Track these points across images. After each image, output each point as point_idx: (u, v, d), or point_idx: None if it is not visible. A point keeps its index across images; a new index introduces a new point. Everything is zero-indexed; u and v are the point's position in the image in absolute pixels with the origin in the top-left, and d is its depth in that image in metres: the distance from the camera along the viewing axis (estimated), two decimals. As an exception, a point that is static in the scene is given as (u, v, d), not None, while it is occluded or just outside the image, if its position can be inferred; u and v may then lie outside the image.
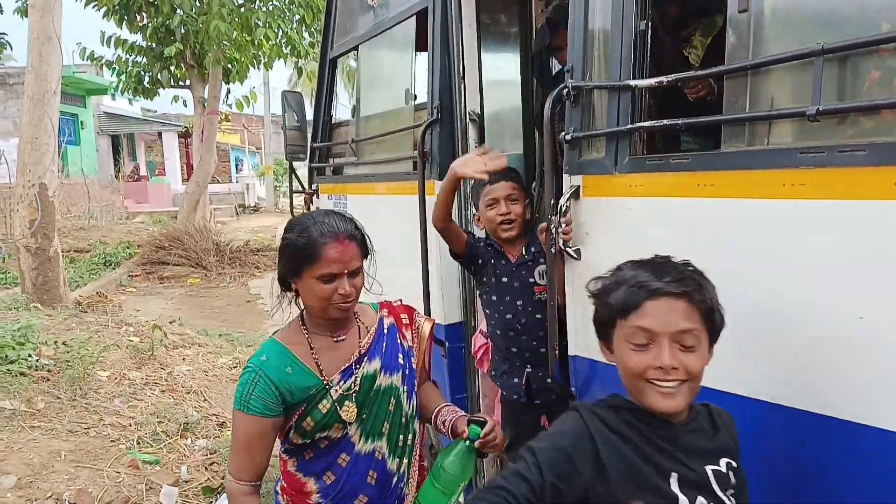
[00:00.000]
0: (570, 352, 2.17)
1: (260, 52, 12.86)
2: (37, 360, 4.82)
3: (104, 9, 11.83)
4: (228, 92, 14.47)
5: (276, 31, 12.11)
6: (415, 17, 3.02)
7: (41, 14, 6.91)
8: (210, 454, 4.31)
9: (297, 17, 12.45)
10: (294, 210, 4.37)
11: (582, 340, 2.13)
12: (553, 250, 2.08)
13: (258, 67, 13.70)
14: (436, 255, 2.83)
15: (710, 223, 1.65)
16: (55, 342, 5.29)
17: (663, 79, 1.74)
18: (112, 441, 4.21)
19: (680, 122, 1.67)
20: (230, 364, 6.50)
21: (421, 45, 3.01)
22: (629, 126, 1.81)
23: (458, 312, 2.90)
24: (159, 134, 27.93)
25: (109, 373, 5.19)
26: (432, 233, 2.80)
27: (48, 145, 7.02)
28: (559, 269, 2.15)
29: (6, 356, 4.66)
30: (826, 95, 1.40)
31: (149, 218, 18.68)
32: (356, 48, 3.57)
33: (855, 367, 1.38)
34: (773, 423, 1.57)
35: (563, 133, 2.03)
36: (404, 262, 3.05)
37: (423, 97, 3.16)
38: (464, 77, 2.72)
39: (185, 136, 26.68)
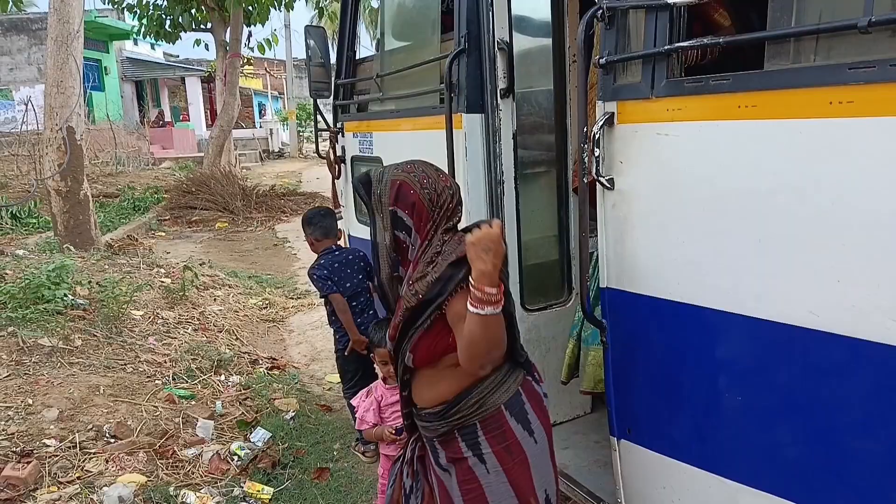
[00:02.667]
0: (602, 283, 2.15)
1: (281, -8, 12.64)
2: (72, 300, 4.93)
3: (124, -49, 11.67)
4: (250, 35, 14.31)
5: (296, -31, 11.87)
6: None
7: (61, -47, 6.83)
8: (243, 390, 4.42)
9: (319, -46, 12.19)
10: (320, 148, 4.34)
11: (614, 272, 2.11)
12: (585, 180, 2.04)
13: (279, 8, 13.47)
14: (463, 190, 2.79)
15: (752, 146, 1.60)
16: (89, 282, 5.39)
17: (704, -5, 1.66)
18: (148, 377, 4.32)
19: (721, 39, 1.60)
20: (260, 305, 6.61)
21: (447, -26, 2.92)
22: (667, 47, 1.74)
23: (487, 247, 2.88)
24: (182, 79, 27.84)
25: (143, 312, 5.30)
26: (460, 168, 2.77)
27: (73, 88, 7.02)
28: (590, 200, 2.12)
29: (42, 296, 4.77)
30: (878, 5, 1.33)
31: (174, 163, 18.76)
32: (381, -21, 3.48)
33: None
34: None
35: (598, 57, 1.96)
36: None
37: (449, 28, 3.08)
38: (492, 4, 2.64)
39: (207, 81, 26.56)
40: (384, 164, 3.57)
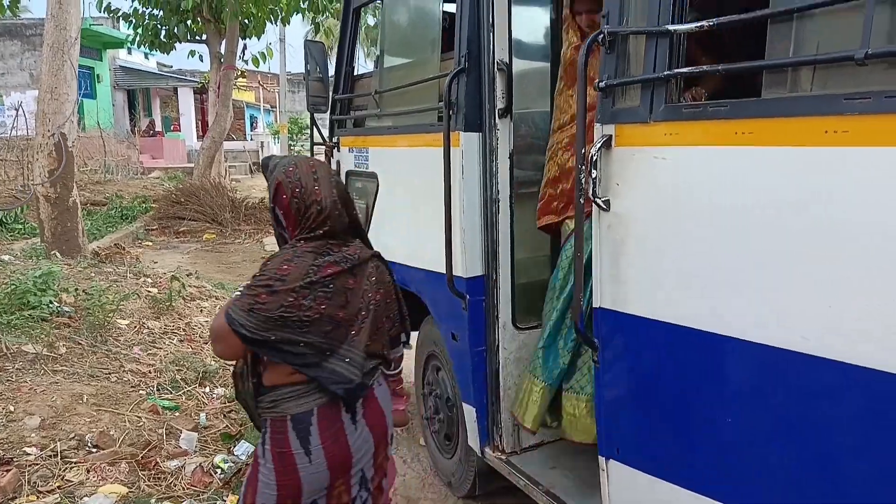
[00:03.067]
0: (595, 303, 2.17)
1: (278, 7, 12.68)
2: (58, 307, 4.88)
3: (121, -40, 11.71)
4: (245, 47, 14.35)
5: (294, -16, 11.96)
6: (443, -36, 2.96)
7: (60, -39, 6.85)
8: (228, 402, 4.37)
9: (316, -30, 12.27)
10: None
11: (607, 292, 2.12)
12: (581, 200, 2.06)
13: (275, 23, 13.54)
14: (458, 207, 2.82)
15: (748, 172, 1.62)
16: (75, 290, 5.34)
17: (704, 23, 1.70)
18: (132, 387, 4.28)
19: (720, 67, 1.63)
20: (246, 317, 6.55)
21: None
22: (667, 72, 1.77)
23: (480, 266, 2.89)
24: (175, 90, 27.82)
25: (129, 321, 5.25)
26: (456, 185, 2.79)
27: (68, 95, 7.00)
28: (587, 220, 2.14)
29: (28, 302, 4.72)
30: (875, 38, 1.36)
31: (164, 173, 18.70)
32: (381, -3, 3.52)
33: None
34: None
35: (597, 80, 1.99)
36: (426, 215, 3.04)
37: (449, 47, 3.11)
38: (493, 26, 2.67)
39: (200, 92, 26.56)
40: (378, 180, 3.62)
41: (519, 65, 2.88)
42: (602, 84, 1.98)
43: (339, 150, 4.05)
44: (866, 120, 1.37)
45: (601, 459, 2.25)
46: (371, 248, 2.10)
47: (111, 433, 3.64)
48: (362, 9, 3.89)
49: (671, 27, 1.76)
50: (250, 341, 1.83)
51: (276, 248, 2.04)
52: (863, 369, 1.43)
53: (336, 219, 1.94)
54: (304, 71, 4.11)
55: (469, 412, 3.08)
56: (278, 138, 29.67)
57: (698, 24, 1.70)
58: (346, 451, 1.97)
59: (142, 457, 3.50)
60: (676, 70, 1.77)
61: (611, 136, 1.99)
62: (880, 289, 1.40)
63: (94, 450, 3.49)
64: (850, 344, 1.46)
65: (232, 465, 3.53)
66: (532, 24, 3.09)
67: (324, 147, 4.18)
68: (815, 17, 1.52)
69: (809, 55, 1.50)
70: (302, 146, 26.51)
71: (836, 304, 1.49)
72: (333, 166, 4.10)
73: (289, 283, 1.81)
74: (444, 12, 3.10)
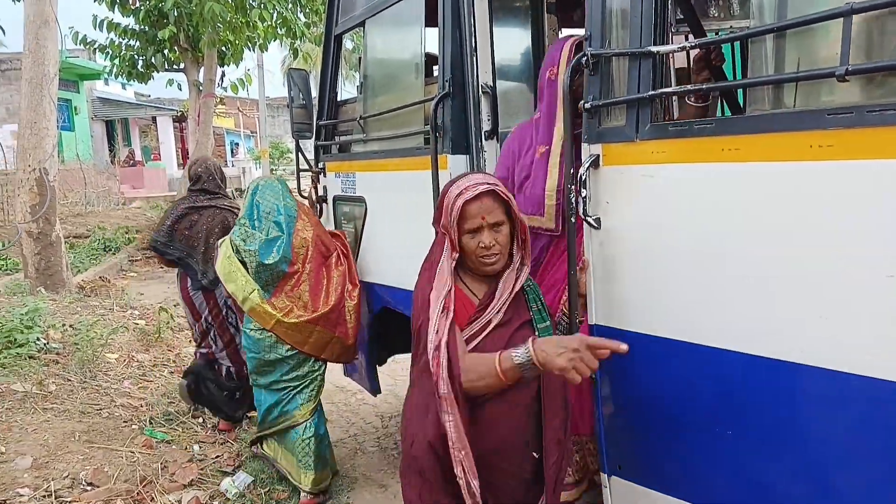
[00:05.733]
0: (590, 321, 2.18)
1: (255, 34, 12.72)
2: (45, 344, 4.84)
3: (96, -9, 11.68)
4: (223, 75, 14.34)
5: (271, 11, 11.98)
6: (424, -10, 2.99)
7: (37, -3, 6.84)
8: (221, 433, 4.34)
9: (293, -3, 12.34)
10: (301, 189, 4.36)
11: (601, 309, 2.14)
12: (572, 220, 2.09)
13: (253, 49, 13.57)
14: (449, 229, 2.83)
15: (735, 187, 1.66)
16: (62, 325, 5.30)
17: (686, 44, 1.74)
18: (124, 422, 4.24)
19: (704, 86, 1.67)
20: (236, 346, 6.52)
21: (430, 20, 3.00)
22: (651, 93, 1.81)
23: (472, 286, 2.90)
24: (154, 119, 27.73)
25: (118, 355, 5.22)
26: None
27: (48, 129, 6.97)
28: (577, 239, 2.16)
29: (15, 339, 4.68)
30: (854, 55, 1.40)
31: (145, 203, 18.56)
32: (363, 23, 3.55)
33: (887, 325, 1.40)
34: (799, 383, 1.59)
35: (582, 101, 2.03)
36: (416, 237, 3.05)
37: (433, 72, 3.15)
38: (476, 50, 2.71)
39: (179, 120, 26.50)
40: (367, 204, 3.63)
41: (503, 85, 2.91)
42: (588, 105, 2.01)
43: (325, 176, 4.06)
44: (850, 133, 1.41)
45: (603, 476, 2.26)
46: None
47: (105, 470, 3.61)
48: (343, 35, 3.93)
49: (654, 48, 1.80)
50: None
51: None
52: (865, 378, 1.45)
53: None
54: (286, 97, 4.13)
55: (467, 433, 3.07)
56: (260, 163, 29.66)
57: (680, 46, 1.74)
58: None
59: (137, 493, 3.46)
60: (661, 90, 1.80)
61: (598, 155, 2.02)
62: (871, 298, 1.43)
63: (89, 488, 3.45)
64: (846, 354, 1.48)
65: (236, 491, 3.50)
66: (514, 45, 3.13)
67: (310, 173, 4.19)
68: (795, 35, 1.56)
69: (792, 73, 1.54)
70: (284, 170, 26.47)
71: (829, 315, 1.51)
72: (320, 192, 4.11)
73: None
74: (425, 37, 3.14)
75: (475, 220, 1.90)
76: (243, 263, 3.33)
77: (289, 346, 3.31)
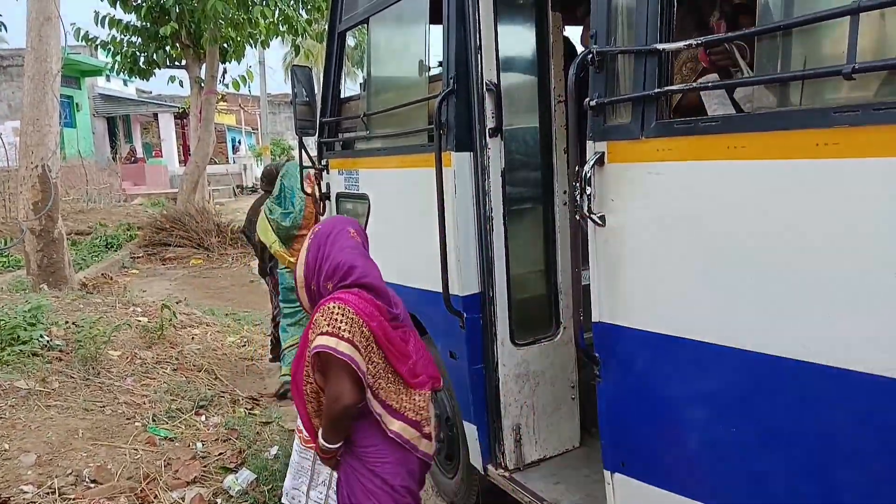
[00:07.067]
0: (594, 318, 2.19)
1: (257, 31, 12.72)
2: (48, 341, 4.84)
3: (98, -12, 11.69)
4: (225, 71, 14.35)
5: (272, 8, 11.99)
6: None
7: (39, -7, 6.84)
8: (225, 430, 4.34)
9: (294, -6, 12.34)
10: (304, 187, 4.36)
11: (606, 307, 2.15)
12: (577, 217, 2.09)
13: (255, 46, 13.57)
14: (452, 226, 2.83)
15: (740, 184, 1.66)
16: (65, 323, 5.30)
17: (692, 41, 1.73)
18: (128, 419, 4.24)
19: (710, 83, 1.67)
20: (239, 343, 6.53)
21: (434, 17, 2.99)
22: (657, 90, 1.80)
23: (476, 284, 2.91)
24: (155, 115, 27.73)
25: (121, 352, 5.22)
26: (449, 204, 2.81)
27: (50, 126, 6.97)
28: (582, 237, 2.16)
29: (18, 336, 4.68)
30: (861, 53, 1.40)
31: (147, 200, 18.59)
32: (366, 20, 3.54)
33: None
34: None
35: (588, 99, 2.02)
36: (420, 234, 3.06)
37: (436, 69, 3.14)
38: (480, 47, 2.71)
39: (180, 117, 26.50)
40: (370, 201, 3.63)
41: (507, 82, 2.91)
42: (593, 102, 2.01)
43: (328, 173, 4.06)
44: (856, 132, 1.41)
45: (606, 473, 2.26)
46: None
47: (109, 467, 3.61)
48: (347, 32, 3.92)
49: (659, 46, 1.80)
50: None
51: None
52: (873, 377, 1.45)
53: None
54: (288, 93, 4.14)
55: (470, 431, 3.08)
56: (261, 160, 29.67)
57: (686, 43, 1.74)
58: None
59: (141, 490, 3.47)
60: (667, 87, 1.80)
61: (603, 153, 2.02)
62: (878, 296, 1.43)
63: (93, 485, 3.45)
64: (853, 353, 1.48)
65: (241, 488, 3.51)
66: (518, 42, 3.12)
67: (313, 170, 4.19)
68: (801, 33, 1.56)
69: (799, 70, 1.54)
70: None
71: (835, 313, 1.51)
72: (323, 188, 4.11)
73: None
74: (430, 34, 3.13)
75: None
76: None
77: None
